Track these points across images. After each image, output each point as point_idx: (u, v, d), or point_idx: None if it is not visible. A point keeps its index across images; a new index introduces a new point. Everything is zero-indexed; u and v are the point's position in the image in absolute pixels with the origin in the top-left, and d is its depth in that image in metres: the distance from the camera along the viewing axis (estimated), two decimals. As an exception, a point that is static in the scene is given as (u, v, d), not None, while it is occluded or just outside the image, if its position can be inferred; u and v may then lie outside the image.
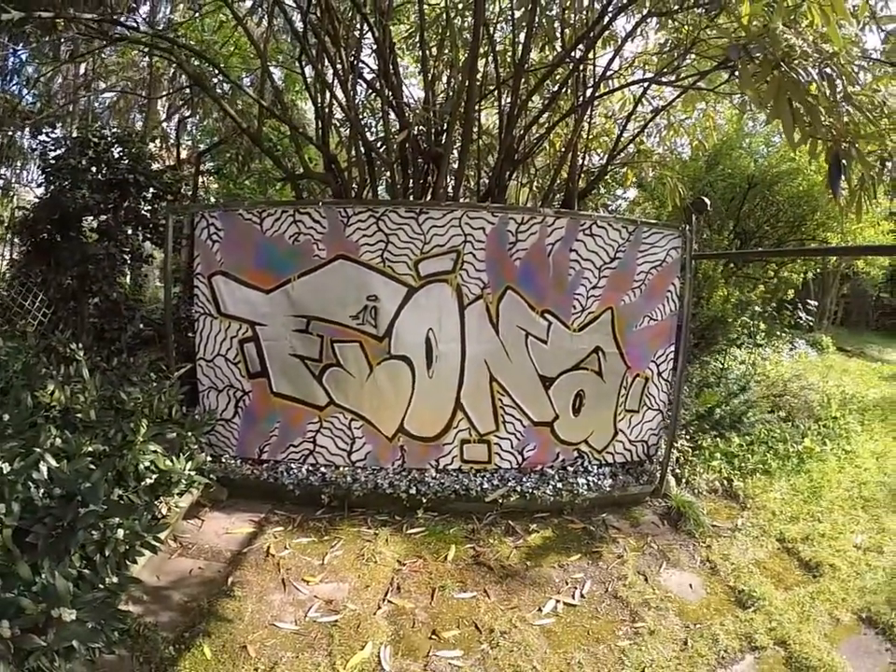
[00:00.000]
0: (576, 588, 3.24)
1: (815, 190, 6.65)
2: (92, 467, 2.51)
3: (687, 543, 3.82)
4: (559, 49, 5.44)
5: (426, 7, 5.50)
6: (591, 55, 5.37)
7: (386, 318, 4.04)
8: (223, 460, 4.09)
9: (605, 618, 3.01)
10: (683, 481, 4.61)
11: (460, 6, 5.63)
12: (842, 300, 14.97)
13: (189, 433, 3.47)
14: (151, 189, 5.46)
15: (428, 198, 5.25)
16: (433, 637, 2.76)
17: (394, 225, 3.99)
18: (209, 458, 3.61)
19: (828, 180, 3.16)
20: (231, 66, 7.59)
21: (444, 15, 5.45)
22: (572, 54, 5.20)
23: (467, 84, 4.70)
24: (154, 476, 2.93)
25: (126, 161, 5.25)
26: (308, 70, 6.13)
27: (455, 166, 5.28)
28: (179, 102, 10.21)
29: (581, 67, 5.40)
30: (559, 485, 4.14)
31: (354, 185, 5.01)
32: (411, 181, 5.28)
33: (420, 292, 4.05)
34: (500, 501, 3.95)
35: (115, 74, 10.68)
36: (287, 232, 4.02)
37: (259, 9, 7.53)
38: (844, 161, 3.02)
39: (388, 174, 5.34)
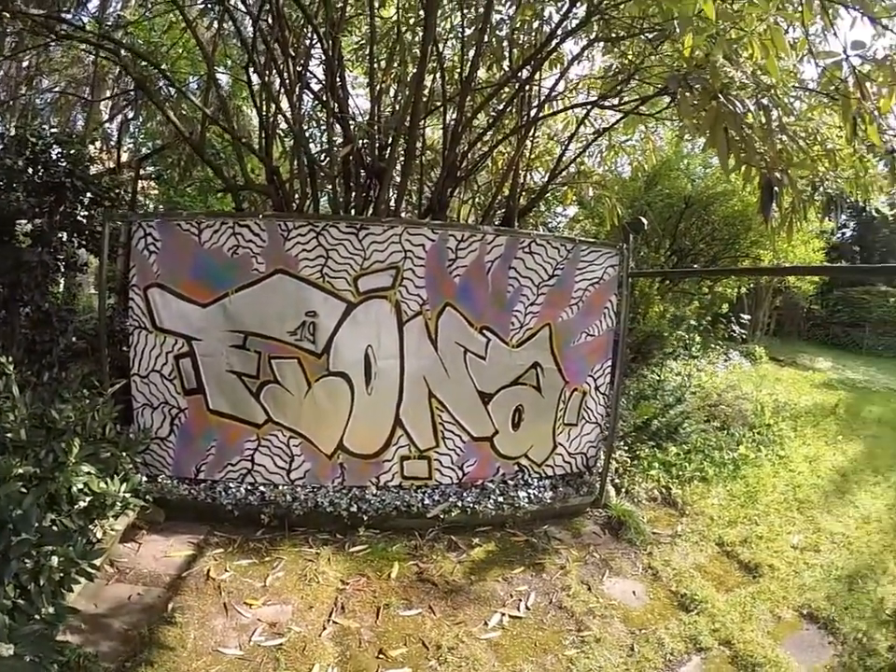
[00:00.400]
0: (521, 600, 3.25)
1: (749, 211, 6.98)
2: (24, 490, 2.37)
3: (629, 551, 3.90)
4: (506, 69, 5.54)
5: (377, 20, 5.53)
6: (537, 76, 5.47)
7: (325, 334, 3.98)
8: (159, 480, 3.92)
9: (551, 628, 3.04)
10: (623, 490, 4.72)
11: (412, 20, 5.67)
12: (774, 312, 15.68)
13: (124, 453, 3.31)
14: (89, 194, 5.23)
15: (370, 213, 5.21)
16: (380, 656, 2.74)
17: (334, 240, 3.95)
18: (145, 479, 3.47)
19: (760, 205, 3.32)
20: (179, 69, 7.39)
21: (395, 29, 5.49)
22: (519, 74, 5.29)
23: (413, 99, 4.72)
24: (88, 499, 2.78)
25: (64, 164, 5.03)
26: (256, 78, 6.04)
27: (398, 181, 5.29)
28: (123, 102, 9.85)
29: (527, 87, 5.50)
30: (500, 499, 4.17)
31: (295, 198, 4.95)
32: (353, 195, 5.24)
33: (359, 308, 4.02)
34: (442, 517, 3.94)
35: (59, 71, 10.21)
36: (226, 245, 3.92)
37: (211, 13, 7.36)
38: (776, 188, 3.18)
39: (330, 187, 5.30)
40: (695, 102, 3.08)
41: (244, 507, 3.85)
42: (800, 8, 2.91)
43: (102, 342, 4.13)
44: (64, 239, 5.28)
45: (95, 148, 7.90)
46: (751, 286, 8.34)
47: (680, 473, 5.11)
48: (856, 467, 6.09)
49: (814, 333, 17.30)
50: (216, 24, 6.46)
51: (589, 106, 5.69)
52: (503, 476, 4.44)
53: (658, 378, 6.61)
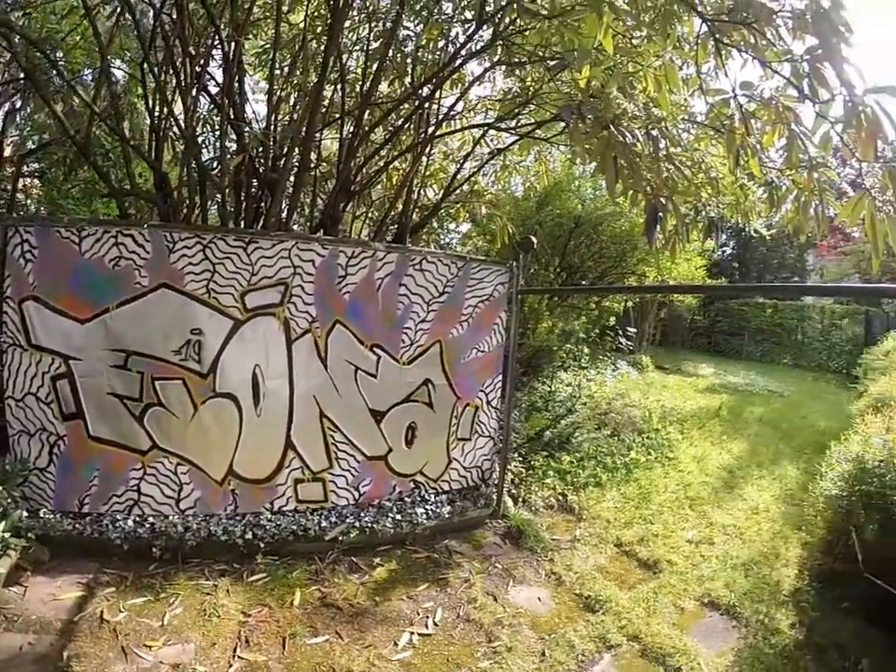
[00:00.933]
0: (428, 617, 3.23)
1: (635, 231, 7.43)
2: None
3: (530, 559, 3.97)
4: (408, 85, 5.55)
5: (283, 25, 5.37)
6: (437, 94, 5.52)
7: (211, 353, 3.77)
8: (41, 515, 3.52)
9: (461, 642, 3.05)
10: (520, 500, 4.82)
11: (318, 29, 5.56)
12: (660, 323, 16.72)
13: (0, 487, 3.00)
14: None
15: (260, 225, 5.04)
16: None
17: (221, 254, 3.76)
18: (25, 514, 3.15)
19: (645, 228, 3.52)
20: (74, 59, 6.74)
21: (301, 36, 5.35)
22: (420, 91, 5.31)
23: (311, 109, 4.63)
24: None
25: None
26: (150, 77, 5.67)
27: (291, 193, 5.16)
28: (11, 90, 8.88)
29: (427, 105, 5.54)
30: (398, 517, 4.15)
31: (183, 207, 4.70)
32: (244, 206, 5.03)
33: (246, 325, 3.85)
34: (341, 538, 3.85)
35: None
36: (108, 255, 3.62)
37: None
38: (660, 213, 3.37)
39: (219, 197, 5.05)
40: (587, 130, 3.22)
41: (133, 540, 3.54)
42: (695, 48, 3.11)
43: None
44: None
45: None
46: (637, 300, 8.90)
47: (575, 480, 5.27)
48: (741, 463, 6.54)
49: (697, 342, 18.57)
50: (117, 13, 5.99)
51: (486, 127, 5.82)
52: (400, 494, 4.42)
53: (549, 390, 6.82)
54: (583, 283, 7.36)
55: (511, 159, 6.21)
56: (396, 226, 5.56)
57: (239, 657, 2.78)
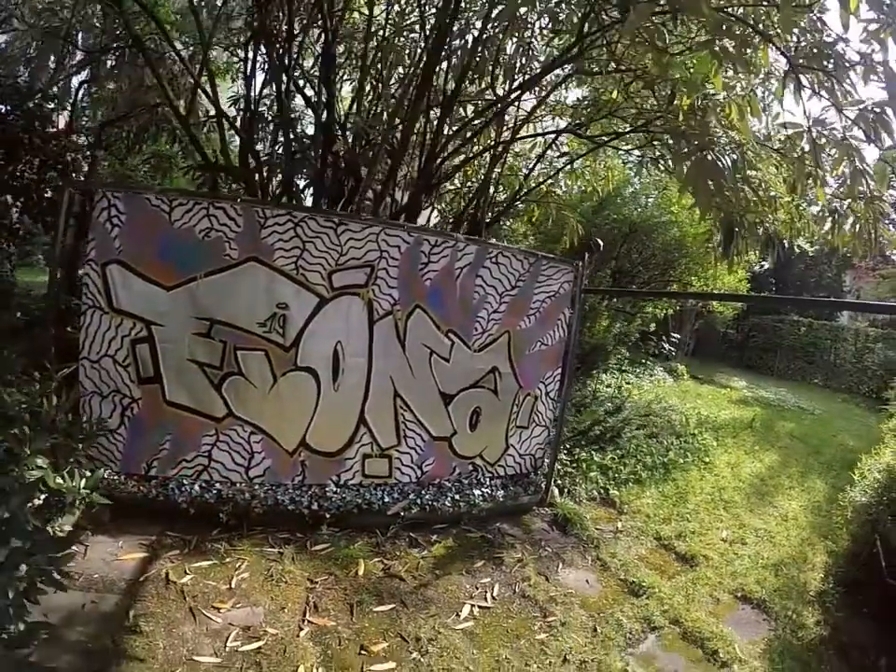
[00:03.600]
0: (486, 591, 3.33)
1: (686, 240, 7.44)
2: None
3: (577, 545, 4.09)
4: (493, 88, 5.56)
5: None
6: (518, 99, 5.53)
7: (295, 328, 3.80)
8: (105, 476, 3.45)
9: (519, 616, 3.16)
10: (565, 491, 4.89)
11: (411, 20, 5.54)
12: (695, 333, 16.57)
13: (80, 445, 2.96)
14: (42, 156, 4.79)
15: (343, 209, 5.04)
16: (363, 652, 2.69)
17: (312, 233, 3.78)
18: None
19: (722, 242, 3.72)
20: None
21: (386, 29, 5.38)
22: (504, 95, 5.35)
23: (414, 102, 4.66)
24: (43, 496, 2.41)
25: (20, 120, 4.54)
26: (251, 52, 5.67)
27: (383, 181, 5.16)
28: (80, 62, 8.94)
29: (509, 108, 5.58)
30: (457, 497, 4.21)
31: (270, 185, 4.79)
32: (329, 190, 5.04)
33: (331, 304, 3.88)
34: (402, 514, 3.90)
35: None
36: (199, 226, 3.60)
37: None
38: (736, 229, 3.57)
39: (304, 180, 5.13)
40: (685, 151, 3.37)
41: (199, 505, 3.54)
42: (776, 83, 3.25)
43: (49, 319, 3.72)
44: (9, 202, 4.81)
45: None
46: (678, 307, 8.87)
47: (616, 476, 5.38)
48: (772, 473, 6.63)
49: (729, 356, 18.19)
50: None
51: (563, 132, 5.83)
52: (459, 475, 4.47)
53: (599, 387, 6.91)
54: (632, 287, 7.37)
55: (578, 163, 6.23)
56: (468, 220, 5.60)
57: (309, 621, 2.83)
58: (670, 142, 4.81)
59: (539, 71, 4.99)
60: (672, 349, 8.27)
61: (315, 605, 2.97)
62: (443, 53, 4.76)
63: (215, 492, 3.67)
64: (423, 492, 4.18)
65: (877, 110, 3.03)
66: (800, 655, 3.17)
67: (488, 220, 5.81)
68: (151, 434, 3.70)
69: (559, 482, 4.96)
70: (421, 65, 4.72)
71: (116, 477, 3.63)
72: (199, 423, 3.76)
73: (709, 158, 3.31)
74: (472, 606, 3.18)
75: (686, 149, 3.50)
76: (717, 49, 2.81)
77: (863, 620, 3.48)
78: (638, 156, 5.67)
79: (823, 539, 4.75)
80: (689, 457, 6.41)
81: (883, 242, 4.20)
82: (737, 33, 2.94)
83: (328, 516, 3.72)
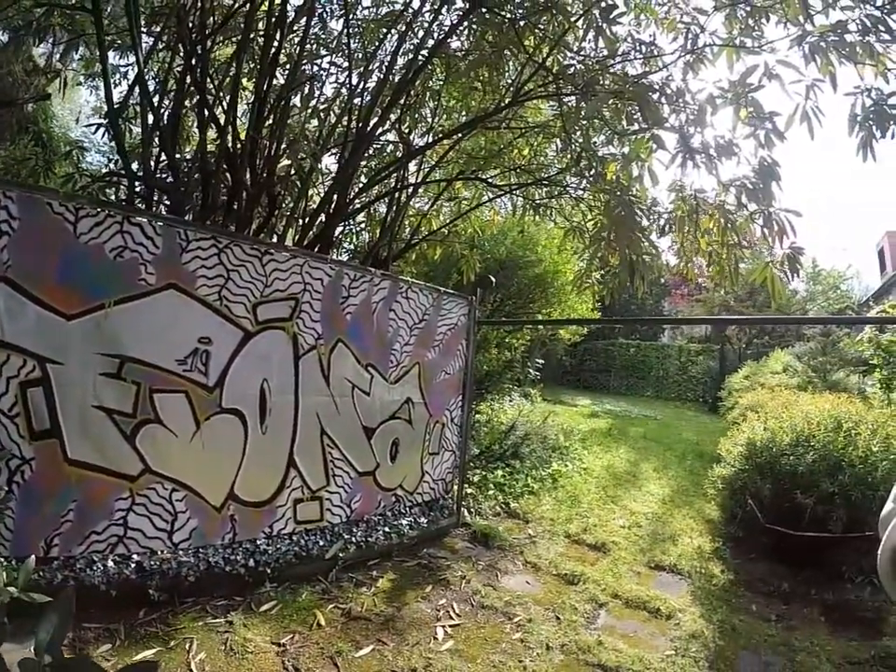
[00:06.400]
0: (448, 610, 3.39)
1: (547, 276, 8.38)
2: None
3: (504, 555, 4.33)
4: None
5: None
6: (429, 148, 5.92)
7: (219, 365, 3.40)
8: None
9: (488, 624, 3.28)
10: (472, 510, 5.15)
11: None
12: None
13: None
14: None
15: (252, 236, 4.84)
16: None
17: (237, 261, 3.47)
18: None
19: (629, 278, 4.54)
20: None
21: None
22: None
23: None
24: None
25: None
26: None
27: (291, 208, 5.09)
28: None
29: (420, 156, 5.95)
30: (387, 529, 4.16)
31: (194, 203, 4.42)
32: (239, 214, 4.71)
33: (256, 338, 3.59)
34: (340, 556, 3.74)
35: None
36: (110, 244, 3.01)
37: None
38: (636, 269, 4.42)
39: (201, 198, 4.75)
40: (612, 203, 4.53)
41: (120, 584, 2.91)
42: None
43: None
44: None
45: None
46: (529, 338, 9.79)
47: (512, 490, 5.82)
48: (639, 469, 7.68)
49: (566, 379, 20.37)
50: None
51: (463, 179, 6.35)
52: (384, 508, 4.40)
53: (492, 410, 7.42)
54: (503, 318, 8.03)
55: (464, 206, 6.81)
56: (372, 257, 5.72)
57: None
58: (574, 193, 5.88)
59: (455, 127, 5.40)
60: (537, 373, 9.07)
61: (295, 668, 2.68)
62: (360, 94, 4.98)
63: (133, 566, 3.04)
64: (354, 530, 4.03)
65: (750, 182, 4.09)
66: (721, 596, 3.81)
67: (393, 256, 6.00)
68: (50, 503, 2.94)
69: (463, 502, 5.14)
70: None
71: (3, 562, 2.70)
72: (110, 484, 3.09)
73: (627, 211, 4.17)
74: (443, 627, 3.19)
75: (612, 202, 4.33)
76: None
77: (755, 563, 4.28)
78: (528, 201, 6.35)
79: (700, 512, 5.67)
80: (569, 465, 7.13)
81: (741, 274, 5.34)
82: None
83: (268, 571, 3.39)
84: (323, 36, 5.42)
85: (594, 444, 8.89)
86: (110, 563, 3.02)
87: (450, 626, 3.21)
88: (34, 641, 1.37)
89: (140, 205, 4.65)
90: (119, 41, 5.49)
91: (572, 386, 19.65)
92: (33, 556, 2.04)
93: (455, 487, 5.07)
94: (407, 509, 4.60)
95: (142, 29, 4.68)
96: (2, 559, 2.14)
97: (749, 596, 3.82)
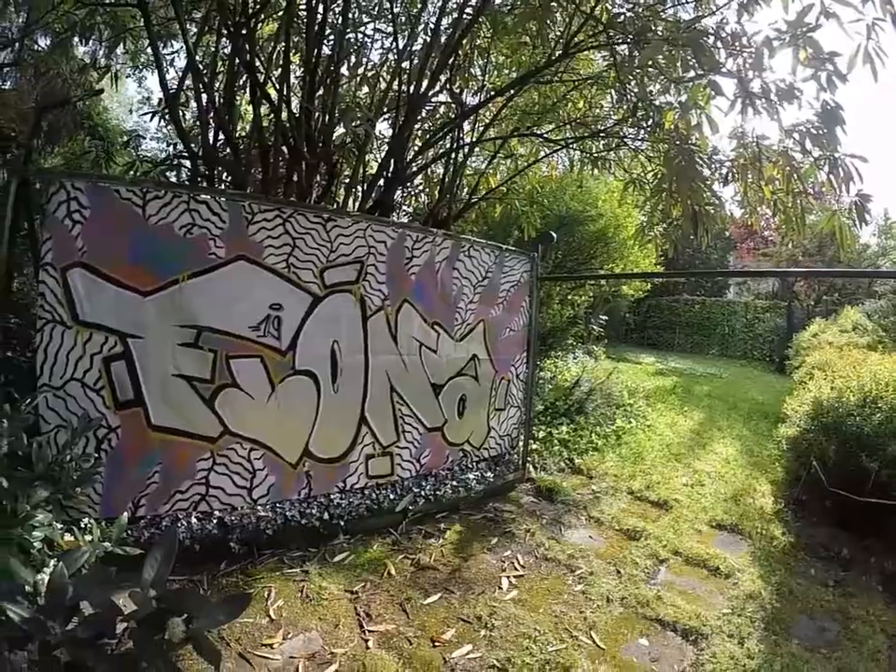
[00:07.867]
0: (513, 562, 3.45)
1: (608, 231, 8.05)
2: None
3: (568, 510, 4.33)
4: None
5: None
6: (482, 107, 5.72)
7: (290, 330, 3.50)
8: (82, 526, 2.57)
9: (551, 576, 3.33)
10: (537, 466, 5.15)
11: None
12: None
13: (77, 489, 2.34)
14: None
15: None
16: (436, 644, 2.61)
17: (301, 229, 3.53)
18: (60, 527, 2.25)
19: (692, 228, 4.30)
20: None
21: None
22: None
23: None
24: (52, 562, 1.81)
25: None
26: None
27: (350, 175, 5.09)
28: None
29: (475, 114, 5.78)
30: (455, 483, 4.24)
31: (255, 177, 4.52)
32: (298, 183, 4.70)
33: (324, 302, 3.66)
34: (409, 509, 3.85)
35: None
36: (178, 222, 3.11)
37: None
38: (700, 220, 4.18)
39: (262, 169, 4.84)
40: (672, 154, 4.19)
41: (203, 539, 3.09)
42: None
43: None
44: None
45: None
46: (591, 295, 9.51)
47: (576, 447, 5.79)
48: (704, 427, 7.43)
49: (631, 336, 19.59)
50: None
51: (518, 135, 6.10)
52: (451, 462, 4.48)
53: (557, 367, 7.36)
54: (564, 274, 7.84)
55: (521, 163, 6.60)
56: (431, 217, 5.68)
57: (369, 631, 2.67)
58: (633, 145, 5.59)
59: (507, 84, 5.18)
60: (601, 331, 8.84)
61: (366, 614, 2.81)
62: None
63: (216, 522, 3.22)
64: (423, 484, 4.14)
65: (808, 128, 3.81)
66: (780, 559, 3.73)
67: (454, 215, 5.94)
68: (136, 467, 3.09)
69: (529, 458, 5.16)
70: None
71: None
72: (192, 446, 3.25)
73: (687, 160, 3.97)
74: (508, 578, 3.25)
75: (671, 152, 4.15)
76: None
77: (816, 526, 4.11)
78: (586, 155, 6.12)
79: (764, 473, 5.46)
80: (632, 422, 6.98)
81: (808, 227, 4.99)
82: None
83: (341, 524, 3.55)
84: (364, 3, 5.27)
85: (658, 402, 8.63)
86: (193, 520, 3.21)
87: (514, 577, 3.27)
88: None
89: (203, 184, 4.76)
90: (163, 32, 5.59)
91: (636, 344, 18.97)
92: (125, 514, 2.33)
93: (521, 443, 5.10)
94: (474, 463, 4.66)
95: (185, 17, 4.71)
96: (93, 519, 2.28)
97: (809, 560, 3.72)
